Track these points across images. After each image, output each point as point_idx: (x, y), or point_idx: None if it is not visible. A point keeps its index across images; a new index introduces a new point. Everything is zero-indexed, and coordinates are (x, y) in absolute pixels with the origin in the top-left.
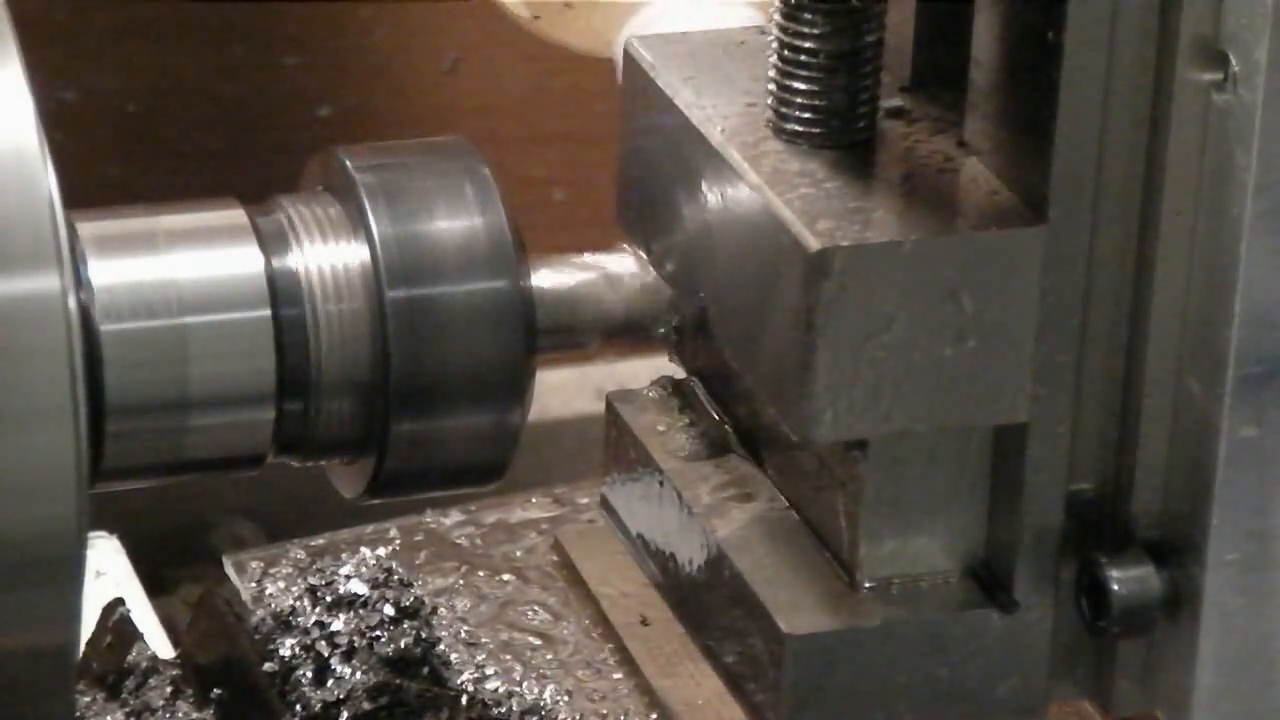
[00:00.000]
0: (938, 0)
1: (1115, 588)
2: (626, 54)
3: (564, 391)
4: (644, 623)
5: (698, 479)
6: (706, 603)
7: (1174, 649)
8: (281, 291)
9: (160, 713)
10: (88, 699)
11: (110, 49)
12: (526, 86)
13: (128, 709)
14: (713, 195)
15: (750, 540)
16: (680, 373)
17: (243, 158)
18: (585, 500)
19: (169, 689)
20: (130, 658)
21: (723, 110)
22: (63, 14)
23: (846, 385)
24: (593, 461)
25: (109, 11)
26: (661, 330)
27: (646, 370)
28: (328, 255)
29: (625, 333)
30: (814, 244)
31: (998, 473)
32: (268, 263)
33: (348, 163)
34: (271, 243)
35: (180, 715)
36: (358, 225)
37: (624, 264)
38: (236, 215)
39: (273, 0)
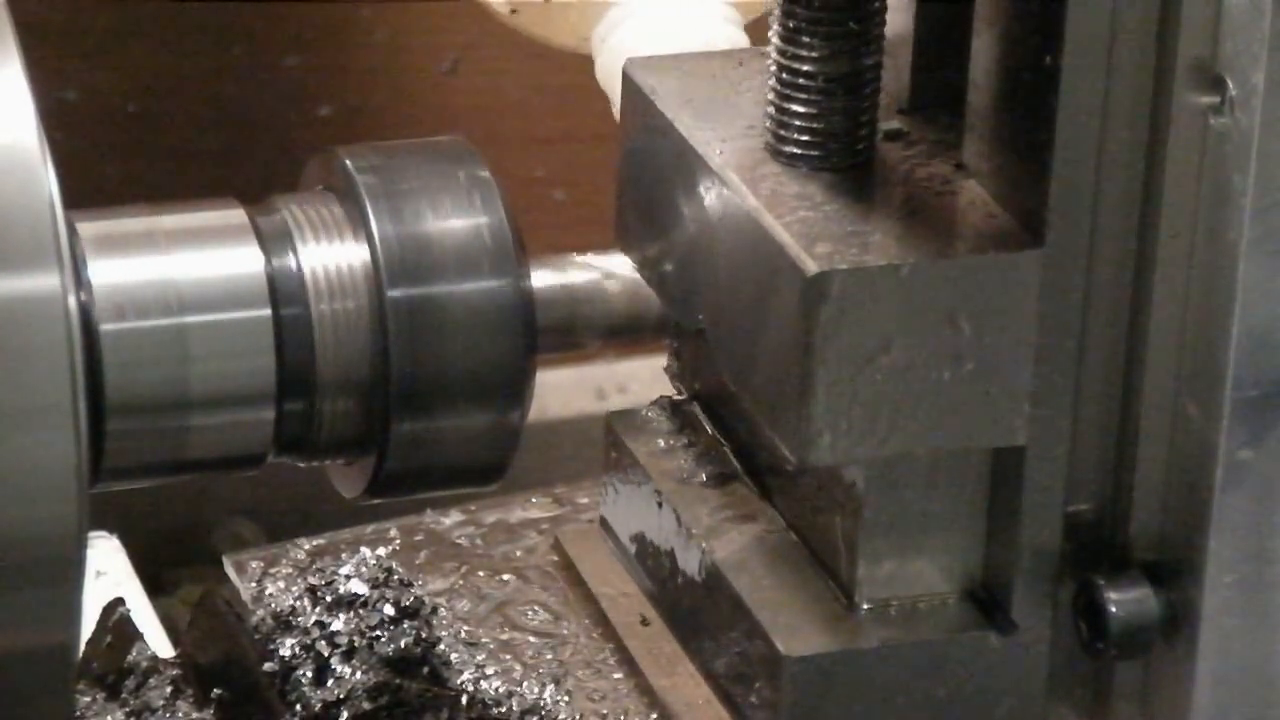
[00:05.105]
0: (936, 22)
1: (1113, 609)
2: (625, 75)
3: (564, 391)
4: (644, 623)
5: (696, 500)
6: (705, 623)
7: (1172, 670)
8: (282, 291)
9: (160, 713)
10: (88, 699)
11: (110, 49)
12: (526, 86)
13: (128, 709)
14: (711, 218)
15: (749, 561)
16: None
17: (243, 158)
18: (585, 500)
19: (169, 689)
20: (130, 658)
21: (721, 133)
22: (63, 14)
23: (844, 408)
24: (593, 461)
25: (109, 11)
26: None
27: (646, 370)
28: (328, 255)
29: (625, 333)
30: (812, 267)
31: (996, 495)
32: (268, 262)
33: (348, 163)
34: (272, 242)
35: (180, 715)
36: (358, 225)
37: (624, 264)
38: (236, 215)
39: (273, 0)
